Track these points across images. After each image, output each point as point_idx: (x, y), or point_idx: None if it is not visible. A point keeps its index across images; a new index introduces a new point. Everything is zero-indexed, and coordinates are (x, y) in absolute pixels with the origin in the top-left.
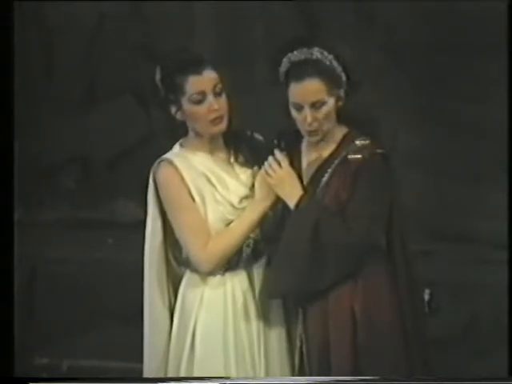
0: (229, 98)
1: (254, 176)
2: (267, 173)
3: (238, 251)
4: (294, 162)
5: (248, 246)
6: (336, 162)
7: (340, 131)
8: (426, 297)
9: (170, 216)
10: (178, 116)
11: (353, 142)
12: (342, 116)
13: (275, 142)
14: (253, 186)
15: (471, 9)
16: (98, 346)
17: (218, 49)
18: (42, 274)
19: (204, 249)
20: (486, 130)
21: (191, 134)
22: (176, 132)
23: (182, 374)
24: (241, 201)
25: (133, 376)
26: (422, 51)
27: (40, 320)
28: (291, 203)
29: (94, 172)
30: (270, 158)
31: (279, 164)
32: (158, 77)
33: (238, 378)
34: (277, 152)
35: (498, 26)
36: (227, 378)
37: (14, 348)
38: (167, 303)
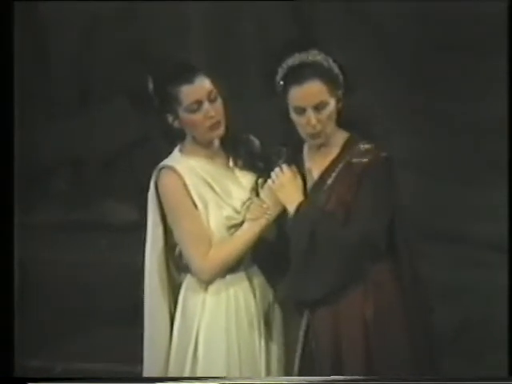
0: (224, 102)
1: (253, 179)
2: (271, 179)
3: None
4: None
5: None
6: (340, 165)
7: (341, 135)
8: None
9: (171, 223)
10: (176, 124)
11: (356, 145)
12: (342, 120)
13: (275, 154)
14: (253, 189)
15: (471, 9)
16: (91, 349)
17: (212, 51)
18: (33, 276)
19: (205, 257)
20: (484, 130)
21: (189, 139)
22: (172, 136)
23: None
24: (243, 204)
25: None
26: (421, 51)
27: (33, 322)
28: (291, 208)
29: (86, 174)
30: (277, 168)
31: (282, 170)
32: (150, 87)
33: (237, 378)
34: (282, 165)
35: (498, 26)
36: (224, 377)
37: (14, 349)
38: (167, 309)
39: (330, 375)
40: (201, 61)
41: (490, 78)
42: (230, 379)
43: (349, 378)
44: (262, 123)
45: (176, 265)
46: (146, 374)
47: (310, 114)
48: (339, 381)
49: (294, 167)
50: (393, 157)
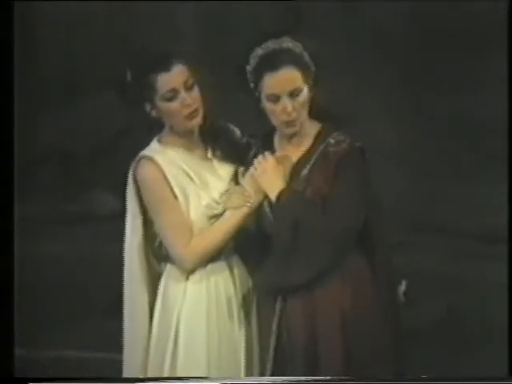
0: (202, 91)
1: (231, 170)
2: (254, 166)
3: None
4: None
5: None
6: (315, 155)
7: (314, 126)
8: (403, 287)
9: (152, 214)
10: (153, 113)
11: (329, 136)
12: (314, 112)
13: (245, 143)
14: (231, 180)
15: (471, 8)
16: (75, 338)
17: (201, 46)
18: (19, 268)
19: (187, 247)
20: (483, 128)
21: (168, 129)
22: (153, 127)
23: (166, 369)
24: (221, 196)
25: (111, 367)
26: (421, 51)
27: (17, 312)
28: (272, 196)
29: (71, 166)
30: (260, 156)
31: (265, 157)
32: (129, 77)
33: (218, 378)
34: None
35: (497, 26)
36: (206, 378)
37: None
38: (147, 299)
39: (303, 369)
40: (181, 50)
41: (490, 77)
42: (211, 380)
43: (336, 377)
44: (241, 113)
45: (155, 255)
46: (126, 363)
47: (286, 100)
48: (325, 380)
49: (277, 154)
50: (366, 147)
